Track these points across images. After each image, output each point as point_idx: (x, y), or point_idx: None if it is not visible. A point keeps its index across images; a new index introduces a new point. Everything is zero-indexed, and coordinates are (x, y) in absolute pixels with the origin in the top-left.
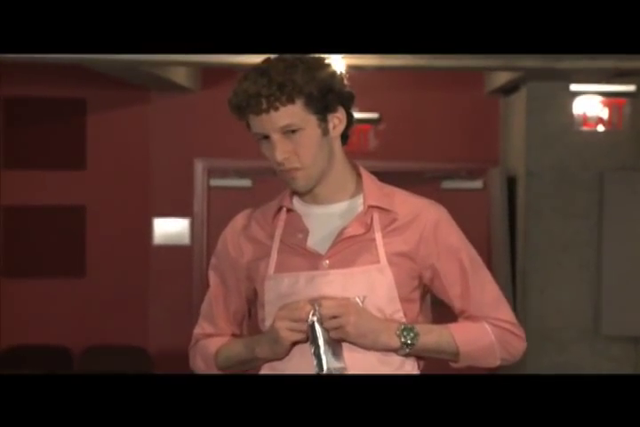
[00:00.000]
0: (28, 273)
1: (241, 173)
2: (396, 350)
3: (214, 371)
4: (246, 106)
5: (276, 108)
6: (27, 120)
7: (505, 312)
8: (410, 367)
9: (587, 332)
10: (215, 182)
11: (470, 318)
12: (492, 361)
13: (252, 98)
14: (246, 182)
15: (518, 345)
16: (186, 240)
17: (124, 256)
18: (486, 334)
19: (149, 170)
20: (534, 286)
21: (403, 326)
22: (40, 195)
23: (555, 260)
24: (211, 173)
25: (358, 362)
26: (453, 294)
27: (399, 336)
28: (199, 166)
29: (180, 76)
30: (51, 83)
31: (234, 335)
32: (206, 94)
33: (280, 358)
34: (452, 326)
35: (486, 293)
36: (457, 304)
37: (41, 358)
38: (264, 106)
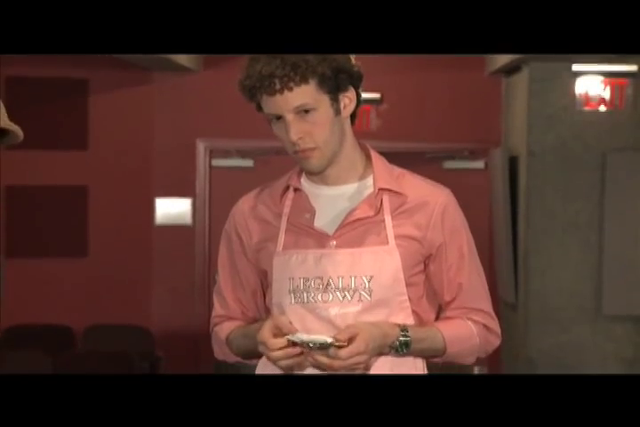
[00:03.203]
0: (31, 253)
1: (243, 154)
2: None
3: (233, 358)
4: (260, 87)
5: (290, 89)
6: (29, 100)
7: (487, 305)
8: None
9: (588, 312)
10: (217, 162)
11: (455, 311)
12: (471, 360)
13: (265, 79)
14: (248, 162)
15: (494, 343)
16: (188, 220)
17: (126, 236)
18: (472, 337)
19: (151, 150)
20: (536, 267)
21: (402, 339)
22: (42, 175)
23: (556, 240)
24: (213, 153)
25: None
26: (446, 279)
27: (393, 348)
28: (201, 146)
29: (182, 57)
30: (53, 63)
31: (246, 317)
32: (208, 75)
33: None
34: (445, 330)
35: (476, 282)
36: (445, 291)
37: (43, 338)
38: (278, 86)
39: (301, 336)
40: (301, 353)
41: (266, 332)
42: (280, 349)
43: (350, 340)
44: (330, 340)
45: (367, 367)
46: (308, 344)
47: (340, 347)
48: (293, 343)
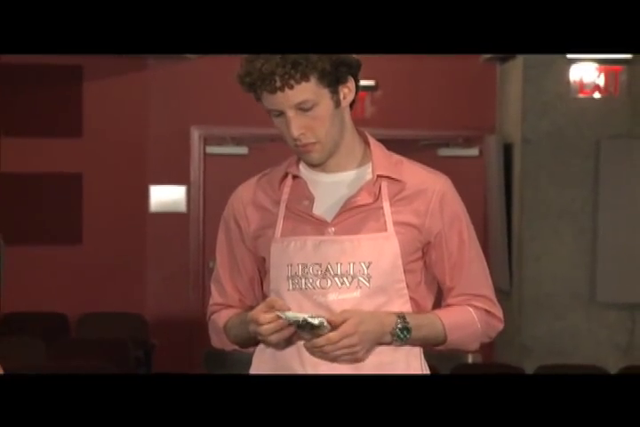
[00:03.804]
0: (25, 240)
1: (237, 141)
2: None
3: (230, 346)
4: (261, 85)
5: (291, 86)
6: (23, 87)
7: (489, 290)
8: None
9: (582, 299)
10: (212, 150)
11: (457, 298)
12: (474, 346)
13: (266, 77)
14: (243, 150)
15: (497, 327)
16: (182, 208)
17: (120, 224)
18: (473, 323)
19: (146, 137)
20: (530, 254)
21: (400, 326)
22: (37, 162)
23: (550, 227)
24: (207, 140)
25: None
26: (448, 266)
27: (394, 335)
28: (196, 134)
29: None
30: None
31: (244, 304)
32: (203, 62)
33: None
34: (444, 317)
35: (477, 268)
36: (447, 278)
37: (38, 325)
38: (278, 84)
39: (289, 314)
40: (290, 327)
41: (258, 309)
42: (269, 323)
43: (341, 323)
44: (317, 320)
45: (362, 358)
46: (297, 322)
47: (325, 327)
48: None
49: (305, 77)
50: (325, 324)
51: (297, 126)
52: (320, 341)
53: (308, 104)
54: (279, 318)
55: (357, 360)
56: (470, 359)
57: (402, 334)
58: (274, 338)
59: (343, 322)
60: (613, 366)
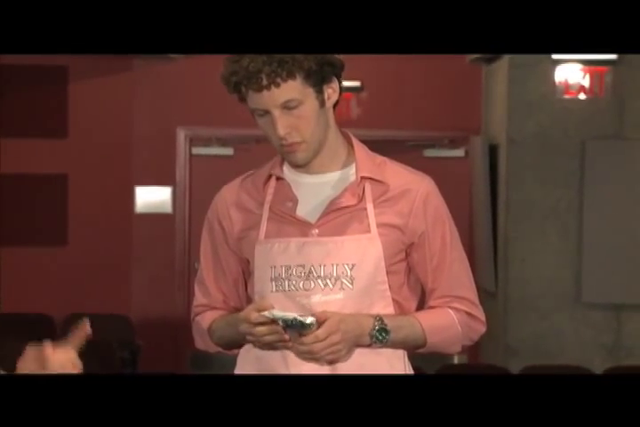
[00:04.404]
0: (11, 241)
1: (223, 142)
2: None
3: (214, 348)
4: (247, 83)
5: (277, 85)
6: (8, 88)
7: (471, 293)
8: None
9: (568, 299)
10: (197, 151)
11: (438, 300)
12: (455, 349)
13: (252, 75)
14: (228, 151)
15: (479, 330)
16: (168, 209)
17: (106, 225)
18: (453, 325)
19: (131, 138)
20: (516, 254)
21: (378, 327)
22: (22, 163)
23: (536, 228)
24: (193, 141)
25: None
26: (430, 267)
27: (372, 336)
28: (181, 135)
29: None
30: None
31: (228, 306)
32: (189, 63)
33: None
34: (423, 319)
35: (459, 270)
36: (429, 279)
37: (23, 327)
38: (265, 82)
39: (278, 313)
40: (284, 330)
41: (249, 309)
42: (261, 324)
43: (324, 321)
44: (309, 319)
45: (344, 360)
46: (287, 322)
47: (314, 326)
48: (272, 321)
49: (291, 76)
50: (315, 322)
51: (283, 125)
52: (308, 339)
53: (293, 103)
54: (269, 317)
55: (339, 361)
56: (456, 360)
57: (380, 336)
58: (268, 339)
59: (325, 320)
60: (599, 366)
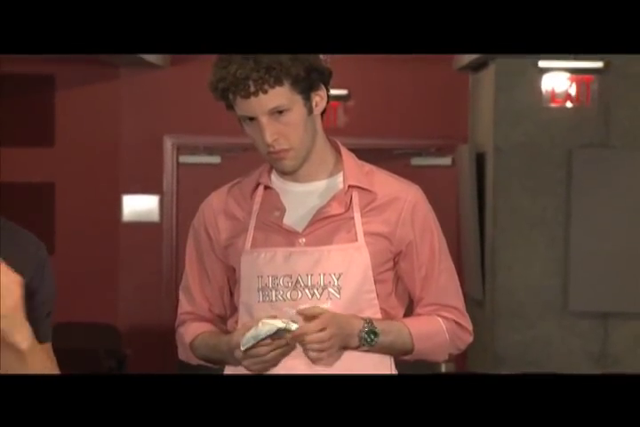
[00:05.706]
0: None
1: (210, 150)
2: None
3: (195, 361)
4: (235, 90)
5: (265, 91)
6: None
7: (459, 302)
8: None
9: (555, 308)
10: (184, 159)
11: (426, 308)
12: (442, 357)
13: (239, 82)
14: (215, 159)
15: (466, 339)
16: (155, 217)
17: (93, 234)
18: (441, 333)
19: (118, 147)
20: (503, 263)
21: (367, 329)
22: (8, 172)
23: (523, 236)
24: (180, 149)
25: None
26: (418, 277)
27: (361, 338)
28: (168, 143)
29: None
30: (19, 58)
31: (212, 314)
32: (175, 71)
33: None
34: (412, 326)
35: (447, 279)
36: (417, 288)
37: None
38: (252, 89)
39: (262, 330)
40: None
41: (238, 335)
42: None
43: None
44: (294, 326)
45: (331, 363)
46: (271, 335)
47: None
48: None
49: (279, 82)
50: (297, 326)
51: (270, 132)
52: (298, 333)
53: (281, 109)
54: (254, 343)
55: (326, 364)
56: (443, 368)
57: (369, 338)
58: (271, 356)
59: (315, 316)
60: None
